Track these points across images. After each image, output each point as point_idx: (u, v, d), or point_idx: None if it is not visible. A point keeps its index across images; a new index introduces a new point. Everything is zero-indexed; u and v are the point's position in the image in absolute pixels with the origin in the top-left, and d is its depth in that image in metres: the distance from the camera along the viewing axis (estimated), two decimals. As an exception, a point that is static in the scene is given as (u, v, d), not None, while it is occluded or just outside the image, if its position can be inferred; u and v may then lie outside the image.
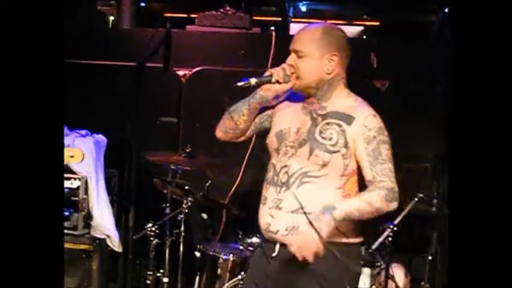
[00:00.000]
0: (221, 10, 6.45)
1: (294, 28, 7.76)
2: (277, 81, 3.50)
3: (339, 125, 3.44)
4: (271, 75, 3.50)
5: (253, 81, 3.48)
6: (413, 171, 5.36)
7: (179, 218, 5.46)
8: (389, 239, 5.07)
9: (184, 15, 8.32)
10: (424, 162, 5.36)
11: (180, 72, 5.82)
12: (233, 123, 3.69)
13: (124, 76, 5.50)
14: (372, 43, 6.67)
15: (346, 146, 3.42)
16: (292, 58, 3.52)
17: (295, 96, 3.64)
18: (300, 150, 3.49)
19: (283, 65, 3.53)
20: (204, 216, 5.63)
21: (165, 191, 5.50)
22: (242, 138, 3.79)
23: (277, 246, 3.53)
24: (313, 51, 3.48)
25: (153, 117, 6.14)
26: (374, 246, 5.10)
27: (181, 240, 5.50)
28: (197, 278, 5.50)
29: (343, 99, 3.55)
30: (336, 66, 3.51)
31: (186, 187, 5.47)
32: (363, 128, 3.43)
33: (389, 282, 5.11)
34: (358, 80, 5.85)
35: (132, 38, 6.52)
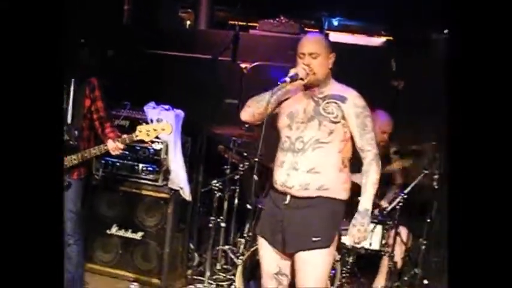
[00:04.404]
0: (277, 19, 6.42)
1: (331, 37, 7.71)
2: (301, 78, 3.54)
3: (336, 103, 3.56)
4: (297, 74, 3.51)
5: (288, 80, 3.50)
6: (420, 151, 5.21)
7: (236, 178, 5.49)
8: (400, 204, 5.00)
9: (244, 23, 8.23)
10: (429, 145, 5.20)
11: (243, 65, 5.72)
12: (262, 109, 3.64)
13: (201, 65, 5.43)
14: (392, 51, 6.53)
15: (343, 118, 3.55)
16: (308, 60, 3.57)
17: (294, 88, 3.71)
18: (310, 124, 3.56)
19: (302, 65, 3.58)
20: (255, 177, 5.55)
21: (226, 156, 5.51)
22: (261, 121, 3.71)
23: (288, 197, 3.58)
24: (323, 53, 3.60)
25: (220, 98, 6.08)
26: (388, 209, 5.03)
27: (236, 195, 5.55)
28: (247, 225, 5.53)
29: (334, 85, 3.67)
30: (332, 62, 3.67)
31: (244, 154, 5.51)
32: (353, 105, 3.57)
33: (396, 237, 5.03)
34: (379, 80, 5.86)
35: (208, 37, 6.49)
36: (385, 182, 5.37)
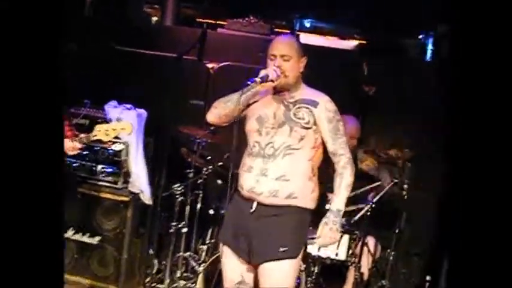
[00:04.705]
0: (246, 19, 6.41)
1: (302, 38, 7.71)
2: (271, 80, 3.54)
3: (307, 108, 3.59)
4: (267, 75, 3.51)
5: (258, 80, 3.50)
6: (391, 157, 5.25)
7: (199, 182, 5.45)
8: (368, 213, 5.01)
9: (212, 21, 8.22)
10: (400, 152, 5.23)
11: (210, 65, 5.69)
12: (228, 110, 3.65)
13: (166, 64, 5.40)
14: (364, 55, 6.58)
15: (315, 123, 3.58)
16: (279, 62, 3.58)
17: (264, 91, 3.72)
18: (280, 130, 3.57)
19: (273, 67, 3.58)
20: (219, 182, 5.56)
21: (189, 159, 5.48)
22: (228, 123, 3.78)
23: (255, 204, 3.57)
24: (295, 55, 3.62)
25: (185, 99, 6.06)
26: (355, 218, 5.04)
27: (199, 200, 5.49)
28: (210, 231, 5.54)
29: (305, 90, 3.71)
30: (304, 66, 3.69)
31: (208, 157, 5.49)
32: (325, 110, 3.61)
33: (364, 248, 5.05)
34: (350, 84, 5.88)
35: (174, 34, 6.47)
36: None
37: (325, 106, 3.61)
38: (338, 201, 3.60)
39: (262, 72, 3.54)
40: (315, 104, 3.60)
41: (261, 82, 3.51)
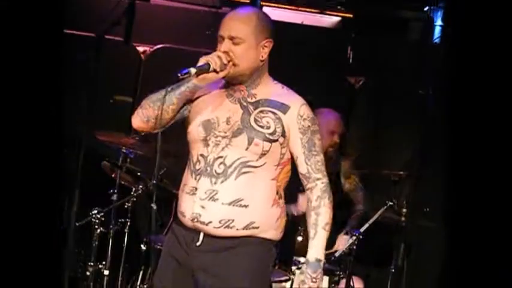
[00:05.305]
0: (189, -15, 6.43)
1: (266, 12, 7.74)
2: (214, 71, 3.46)
3: (274, 113, 3.53)
4: (208, 64, 3.43)
5: (193, 71, 3.40)
6: (385, 178, 5.33)
7: (126, 207, 5.48)
8: (354, 247, 5.06)
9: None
10: (396, 169, 5.32)
11: (140, 48, 5.72)
12: (158, 112, 3.55)
13: (80, 46, 5.40)
14: (350, 36, 6.64)
15: (283, 134, 3.52)
16: (227, 45, 3.50)
17: (213, 83, 3.63)
18: (235, 140, 3.51)
19: (218, 53, 3.48)
20: (154, 206, 5.56)
21: (113, 176, 5.50)
22: (162, 129, 3.62)
23: (201, 236, 3.54)
24: (250, 38, 3.52)
25: (107, 94, 6.03)
26: (337, 254, 5.10)
27: (126, 230, 5.52)
28: (141, 273, 5.52)
29: (270, 87, 3.65)
30: (268, 52, 3.60)
31: (138, 173, 5.49)
32: (298, 117, 3.55)
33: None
34: (331, 74, 5.96)
35: (91, 6, 6.46)
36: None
37: (298, 112, 3.55)
38: (316, 247, 3.51)
39: (202, 60, 3.46)
40: (284, 108, 3.55)
41: (199, 74, 3.45)
